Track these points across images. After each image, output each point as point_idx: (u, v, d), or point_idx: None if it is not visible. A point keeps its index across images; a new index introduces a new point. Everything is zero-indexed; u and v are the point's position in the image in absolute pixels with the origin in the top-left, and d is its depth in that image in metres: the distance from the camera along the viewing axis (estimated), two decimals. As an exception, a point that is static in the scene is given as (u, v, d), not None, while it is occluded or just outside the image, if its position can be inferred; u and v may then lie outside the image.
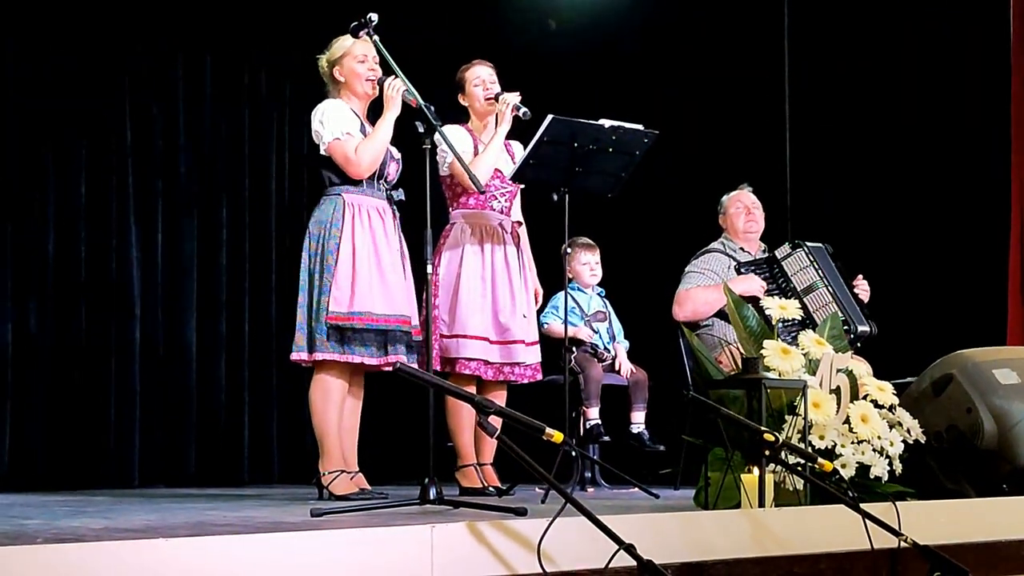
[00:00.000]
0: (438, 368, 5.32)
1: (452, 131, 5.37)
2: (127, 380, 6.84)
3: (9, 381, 6.50)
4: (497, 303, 5.43)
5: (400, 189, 5.19)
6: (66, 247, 6.71)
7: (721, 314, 5.83)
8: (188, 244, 7.12)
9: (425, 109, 4.65)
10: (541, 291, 5.76)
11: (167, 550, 2.66)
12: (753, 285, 5.80)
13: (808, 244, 5.90)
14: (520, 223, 5.66)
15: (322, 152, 5.03)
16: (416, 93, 4.79)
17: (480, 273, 5.42)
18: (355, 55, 5.08)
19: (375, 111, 5.14)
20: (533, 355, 5.53)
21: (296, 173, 7.47)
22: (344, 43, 5.09)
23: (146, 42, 7.00)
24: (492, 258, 5.46)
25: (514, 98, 5.39)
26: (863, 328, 5.74)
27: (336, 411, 4.99)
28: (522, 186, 5.57)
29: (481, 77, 5.52)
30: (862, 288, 5.96)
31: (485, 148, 5.41)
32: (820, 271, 5.82)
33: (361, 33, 4.83)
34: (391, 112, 5.00)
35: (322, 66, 5.16)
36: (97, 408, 6.74)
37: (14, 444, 6.47)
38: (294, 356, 5.02)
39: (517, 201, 5.66)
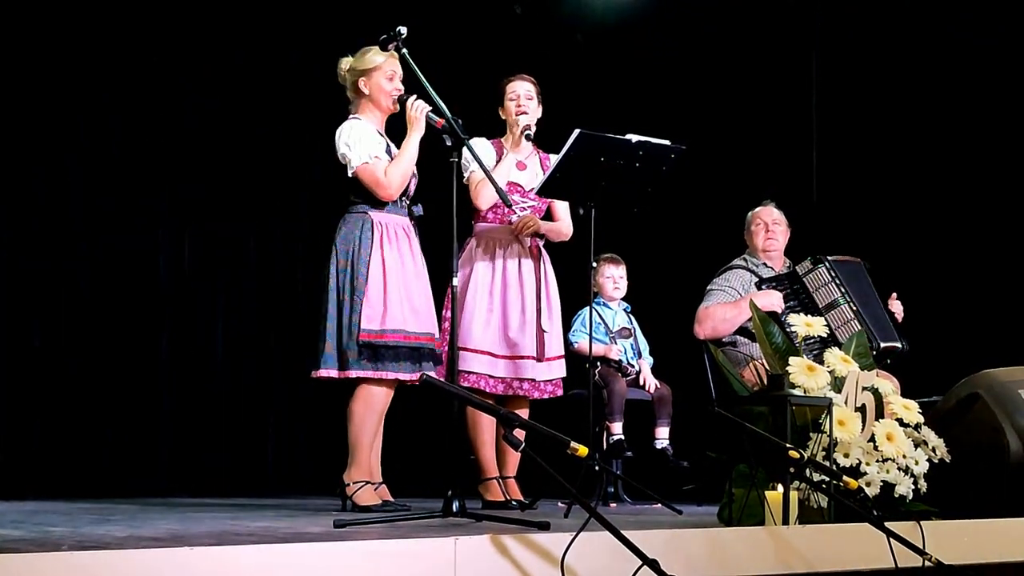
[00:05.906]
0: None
1: (477, 144, 5.37)
2: (153, 388, 6.86)
3: (35, 388, 6.52)
4: (507, 317, 5.43)
5: (419, 204, 5.20)
6: (95, 253, 6.74)
7: (745, 330, 5.81)
8: (218, 252, 7.14)
9: (453, 122, 4.64)
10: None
11: (191, 558, 2.68)
12: (772, 300, 5.75)
13: (830, 259, 5.81)
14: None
15: (349, 175, 5.03)
16: (444, 107, 4.76)
17: (488, 287, 5.43)
18: (385, 72, 5.07)
19: (393, 126, 5.14)
20: (550, 371, 5.52)
21: (327, 182, 7.47)
22: (374, 57, 5.06)
23: (183, 47, 7.02)
24: (504, 272, 5.47)
25: (524, 120, 5.50)
26: (886, 344, 5.68)
27: (375, 423, 5.00)
28: (549, 200, 5.57)
29: (517, 92, 5.55)
30: (897, 308, 5.90)
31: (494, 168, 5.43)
32: (842, 287, 5.74)
33: (390, 46, 4.81)
34: (416, 132, 4.99)
35: (342, 73, 5.13)
36: (123, 416, 6.76)
37: (40, 450, 6.49)
38: (322, 373, 4.99)
39: (566, 212, 5.66)
